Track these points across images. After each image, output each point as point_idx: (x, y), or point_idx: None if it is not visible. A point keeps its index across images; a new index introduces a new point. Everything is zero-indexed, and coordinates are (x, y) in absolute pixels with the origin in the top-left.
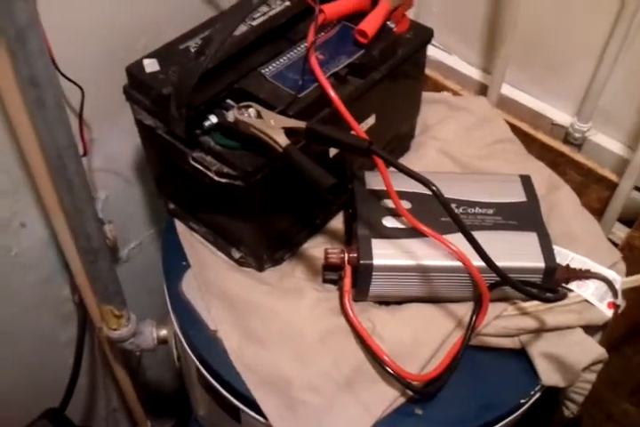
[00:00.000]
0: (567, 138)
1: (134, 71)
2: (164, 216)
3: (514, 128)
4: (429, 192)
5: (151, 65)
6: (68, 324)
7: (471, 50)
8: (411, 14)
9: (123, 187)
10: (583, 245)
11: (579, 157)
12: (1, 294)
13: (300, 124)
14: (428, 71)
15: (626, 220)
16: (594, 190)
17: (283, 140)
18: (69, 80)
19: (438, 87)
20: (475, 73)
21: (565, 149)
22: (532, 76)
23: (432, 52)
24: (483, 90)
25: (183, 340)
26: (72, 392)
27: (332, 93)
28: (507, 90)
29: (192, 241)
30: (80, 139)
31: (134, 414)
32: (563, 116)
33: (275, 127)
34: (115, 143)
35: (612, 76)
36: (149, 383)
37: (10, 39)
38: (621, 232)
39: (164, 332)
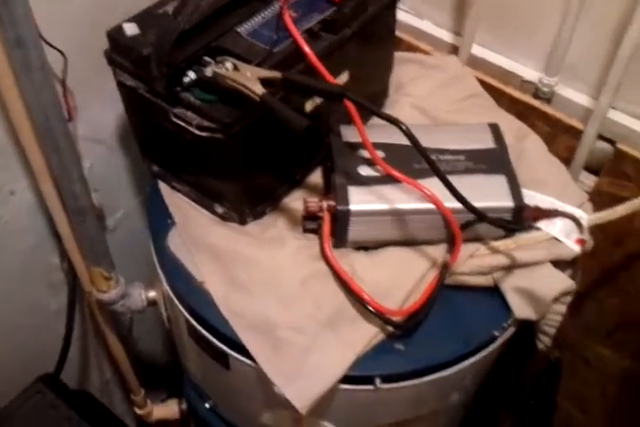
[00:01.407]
0: (536, 93)
1: (115, 35)
2: (149, 182)
3: (484, 84)
4: (402, 142)
5: (131, 28)
6: (59, 292)
7: (442, 13)
8: None
9: (107, 155)
10: (551, 188)
11: (546, 108)
12: None
13: (276, 74)
14: (401, 35)
15: (593, 169)
16: (562, 140)
17: (259, 89)
18: (52, 46)
19: (411, 49)
20: (446, 35)
21: (534, 102)
22: (501, 36)
23: (405, 17)
24: (454, 51)
25: (172, 293)
26: (65, 357)
27: (306, 47)
28: (477, 50)
29: (176, 200)
30: (65, 105)
31: (128, 383)
32: (531, 73)
33: (251, 78)
34: (98, 111)
35: (576, 31)
36: (141, 353)
37: None
38: (589, 181)
39: (152, 293)
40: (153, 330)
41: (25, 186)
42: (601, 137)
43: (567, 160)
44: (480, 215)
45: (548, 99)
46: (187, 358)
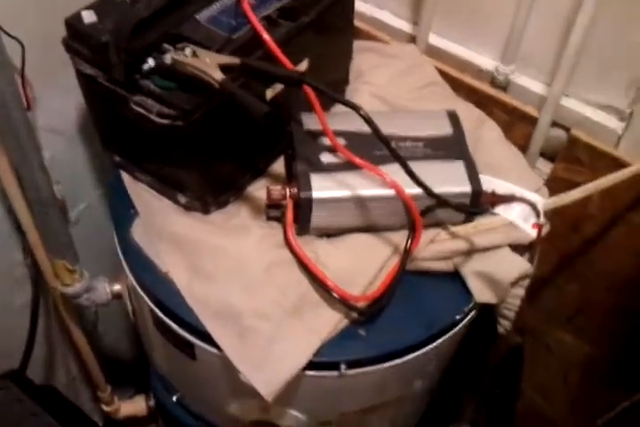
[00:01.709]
0: (493, 81)
1: (73, 22)
2: (111, 173)
3: (442, 73)
4: (363, 129)
5: (89, 16)
6: (22, 287)
7: (400, 3)
8: None
9: (68, 146)
10: (508, 174)
11: (503, 96)
12: None
13: (235, 60)
14: (360, 24)
15: (549, 156)
16: (518, 127)
17: (218, 76)
18: (10, 36)
19: (371, 39)
20: (404, 25)
21: (491, 90)
22: (458, 26)
23: (364, 7)
24: (412, 41)
25: (136, 284)
26: (30, 353)
27: (265, 34)
28: (434, 40)
29: (138, 190)
30: (23, 95)
31: (94, 379)
32: (488, 62)
33: (210, 65)
34: (57, 101)
35: (529, 21)
36: (107, 349)
37: None
38: (546, 167)
39: (117, 286)
40: (118, 326)
41: None
42: (556, 124)
43: (524, 147)
44: (439, 200)
45: (504, 87)
46: (153, 351)
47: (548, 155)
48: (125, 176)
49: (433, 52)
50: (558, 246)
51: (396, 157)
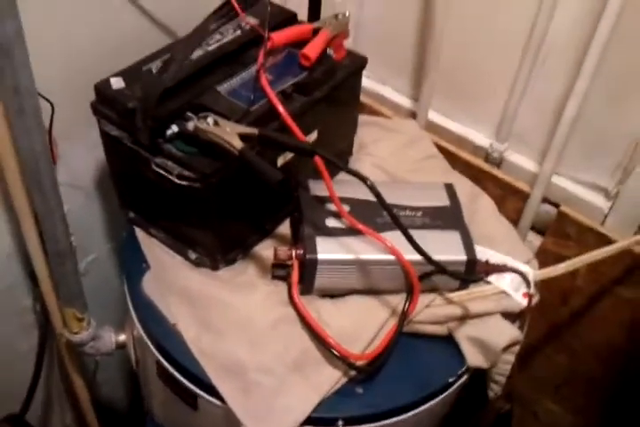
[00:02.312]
0: (488, 157)
1: (102, 88)
2: (122, 230)
3: (440, 148)
4: (366, 197)
5: (117, 82)
6: (29, 333)
7: (402, 81)
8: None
9: (84, 201)
10: (501, 245)
11: (497, 172)
12: None
13: (253, 130)
14: (364, 99)
15: (540, 230)
16: (511, 202)
17: (238, 144)
18: (42, 96)
19: (374, 113)
20: (405, 101)
21: (485, 165)
22: (456, 104)
23: (368, 83)
24: (413, 116)
25: (144, 334)
26: (32, 398)
27: (280, 107)
28: (434, 116)
29: (151, 245)
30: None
31: (88, 424)
32: (482, 139)
33: (231, 133)
34: (79, 159)
35: (522, 103)
36: (103, 399)
37: None
38: (537, 240)
39: (122, 337)
40: (116, 375)
41: (5, 230)
42: (546, 200)
43: (516, 220)
44: (437, 266)
45: (497, 163)
46: (152, 400)
47: (538, 228)
48: (139, 232)
49: (432, 128)
50: (547, 317)
51: (399, 225)
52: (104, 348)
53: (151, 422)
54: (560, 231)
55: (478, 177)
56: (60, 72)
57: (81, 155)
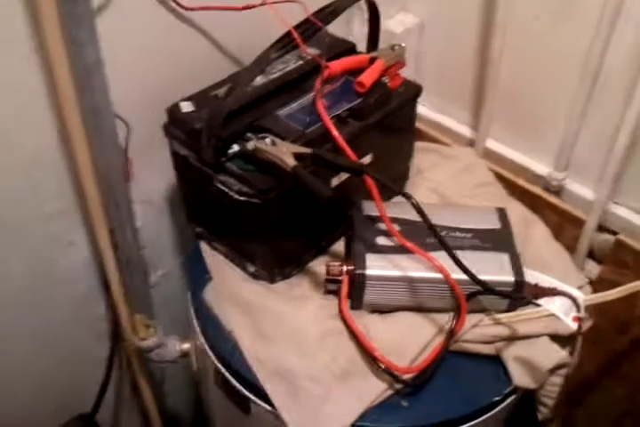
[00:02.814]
0: (546, 186)
1: (173, 111)
2: (191, 245)
3: (497, 175)
4: (417, 218)
5: (187, 106)
6: (102, 340)
7: (461, 111)
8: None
9: (157, 218)
10: (553, 270)
11: (554, 200)
12: (43, 307)
13: (307, 150)
14: (424, 127)
15: (598, 259)
16: (568, 230)
17: (291, 162)
18: (119, 117)
19: (433, 142)
20: (464, 130)
21: (543, 193)
22: (514, 133)
23: (428, 112)
24: (471, 144)
25: (203, 341)
26: (102, 399)
27: (334, 130)
28: (492, 144)
29: (214, 258)
30: (124, 169)
31: None
32: (541, 167)
33: (286, 153)
34: (152, 177)
35: (581, 132)
36: (169, 409)
37: (79, 75)
38: (595, 269)
39: (186, 345)
40: (182, 388)
41: (83, 238)
42: (604, 229)
43: (573, 248)
44: (482, 284)
45: (557, 192)
46: (211, 408)
47: (598, 258)
48: (204, 245)
49: (490, 156)
50: (605, 347)
51: (442, 242)
52: (169, 355)
53: None
54: (617, 260)
55: (536, 205)
56: (136, 96)
57: (154, 174)
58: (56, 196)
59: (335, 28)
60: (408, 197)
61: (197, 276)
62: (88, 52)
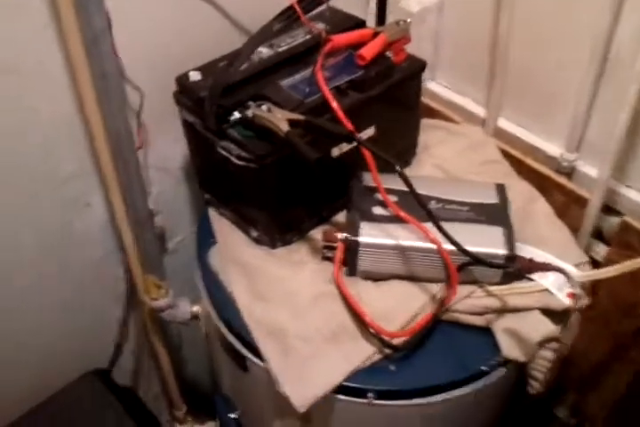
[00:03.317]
0: (557, 167)
1: (182, 80)
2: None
3: (506, 154)
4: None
5: (195, 75)
6: (120, 301)
7: (476, 90)
8: (428, 59)
9: (173, 185)
10: (551, 246)
11: (561, 179)
12: (62, 268)
13: (300, 116)
14: (437, 106)
15: (607, 240)
16: (574, 210)
17: (285, 127)
18: (133, 84)
19: (445, 120)
20: (479, 110)
21: (550, 173)
22: (526, 113)
23: (443, 90)
24: (484, 124)
25: (207, 300)
26: (117, 356)
27: (331, 99)
28: (504, 124)
29: (220, 223)
30: (137, 135)
31: (171, 396)
32: (553, 148)
33: (281, 119)
34: (167, 145)
35: (593, 113)
36: (189, 376)
37: (88, 41)
38: (604, 251)
39: (196, 308)
40: (201, 355)
41: (99, 200)
42: (613, 211)
43: (579, 228)
44: (469, 255)
45: (568, 173)
46: (218, 370)
47: (606, 240)
48: (212, 211)
49: (501, 135)
50: (611, 331)
51: (426, 209)
52: (180, 316)
53: (219, 394)
54: (623, 241)
55: (543, 184)
56: (151, 65)
57: (170, 142)
58: (72, 158)
59: (354, 5)
60: (394, 165)
61: (205, 240)
62: (96, 19)
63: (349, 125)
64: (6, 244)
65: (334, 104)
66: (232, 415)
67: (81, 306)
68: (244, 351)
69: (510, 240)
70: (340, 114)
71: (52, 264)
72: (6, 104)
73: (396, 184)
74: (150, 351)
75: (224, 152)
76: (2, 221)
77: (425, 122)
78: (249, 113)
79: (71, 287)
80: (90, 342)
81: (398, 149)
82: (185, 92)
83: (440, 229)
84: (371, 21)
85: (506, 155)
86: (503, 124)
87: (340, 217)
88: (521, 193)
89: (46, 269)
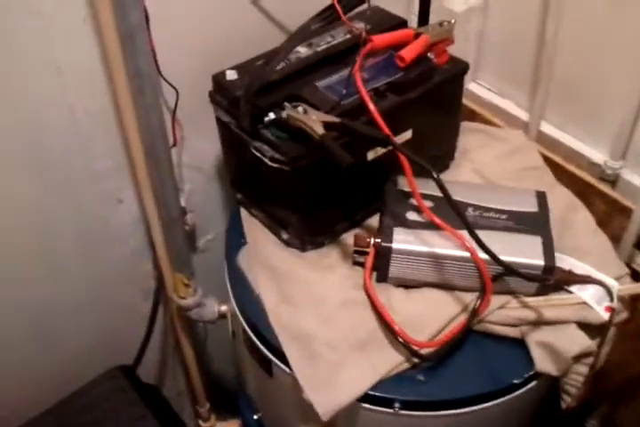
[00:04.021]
0: (601, 174)
1: (218, 78)
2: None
3: (547, 160)
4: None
5: (231, 74)
6: (149, 297)
7: (519, 93)
8: (471, 60)
9: (205, 182)
10: (591, 258)
11: (603, 187)
12: (93, 263)
13: (335, 119)
14: (479, 109)
15: None
16: (617, 219)
17: (319, 130)
18: (168, 82)
19: (485, 123)
20: (521, 113)
21: (592, 180)
22: (571, 118)
23: (486, 93)
24: (526, 128)
25: (234, 302)
26: (143, 353)
27: (369, 102)
28: (547, 129)
29: (251, 224)
30: (172, 132)
31: (195, 392)
32: (596, 155)
33: (316, 121)
34: (201, 143)
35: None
36: (214, 373)
37: (124, 37)
38: None
39: (224, 307)
40: (227, 352)
41: (132, 196)
42: None
43: (620, 239)
44: (504, 265)
45: (612, 181)
46: (243, 370)
47: None
48: (243, 211)
49: (543, 140)
50: None
51: (463, 218)
52: (207, 315)
53: (242, 393)
54: None
55: (585, 192)
56: (187, 64)
57: (204, 140)
58: (107, 154)
59: (396, 3)
60: (430, 171)
61: (235, 240)
62: (132, 15)
63: (386, 129)
64: (45, 238)
65: (372, 107)
66: (255, 417)
67: (110, 301)
68: (270, 356)
69: (549, 251)
70: (378, 117)
71: (87, 257)
72: (46, 99)
73: (433, 189)
74: (176, 347)
75: (257, 153)
76: (40, 215)
77: (465, 125)
78: (284, 114)
79: (101, 283)
80: (116, 338)
81: (436, 152)
82: (220, 91)
83: (476, 238)
84: (413, 21)
85: (547, 160)
86: (545, 128)
87: (373, 221)
88: (561, 201)
89: (81, 261)
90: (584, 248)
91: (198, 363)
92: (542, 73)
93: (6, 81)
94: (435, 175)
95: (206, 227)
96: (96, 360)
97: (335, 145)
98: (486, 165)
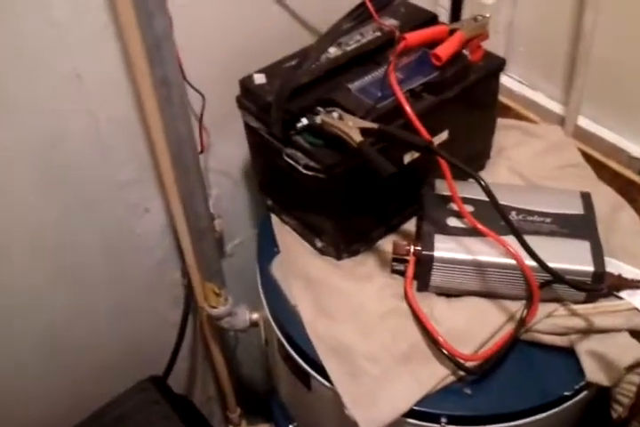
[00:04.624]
0: None
1: (246, 83)
2: (264, 215)
3: (587, 156)
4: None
5: (260, 78)
6: (178, 305)
7: (553, 86)
8: (500, 53)
9: (232, 187)
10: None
11: None
12: (121, 273)
13: (373, 125)
14: (511, 103)
15: None
16: None
17: (357, 137)
18: (194, 89)
19: (520, 118)
20: (555, 107)
21: (635, 177)
22: (609, 112)
23: (518, 87)
24: (561, 122)
25: (269, 313)
26: (173, 363)
27: (406, 105)
28: (584, 123)
29: (283, 232)
30: (199, 139)
31: (226, 398)
32: (637, 149)
33: (352, 127)
34: (228, 148)
35: None
36: (244, 377)
37: (149, 46)
38: None
39: (255, 315)
40: (257, 359)
41: (159, 206)
42: None
43: None
44: (553, 273)
45: None
46: (277, 379)
47: None
48: (274, 218)
49: (580, 135)
50: None
51: (510, 225)
52: (239, 324)
53: (275, 401)
54: None
55: (628, 189)
56: (212, 69)
57: (231, 145)
58: (131, 163)
59: None
60: (476, 177)
61: (267, 248)
62: (158, 22)
63: (427, 135)
64: (72, 247)
65: (409, 111)
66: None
67: (139, 310)
68: (309, 369)
69: (599, 256)
70: (417, 122)
71: (113, 268)
72: (67, 107)
73: (472, 192)
74: (205, 354)
75: (290, 160)
76: (65, 224)
77: (499, 122)
78: (317, 120)
79: (129, 294)
80: (146, 347)
81: (472, 152)
82: (249, 96)
83: (524, 245)
84: (442, 14)
85: (585, 156)
86: (582, 122)
87: (409, 225)
88: (605, 200)
89: (107, 273)
90: (631, 250)
91: (228, 369)
92: (580, 65)
93: (26, 89)
94: (482, 183)
95: (233, 232)
96: (124, 371)
97: (375, 154)
98: (524, 164)
